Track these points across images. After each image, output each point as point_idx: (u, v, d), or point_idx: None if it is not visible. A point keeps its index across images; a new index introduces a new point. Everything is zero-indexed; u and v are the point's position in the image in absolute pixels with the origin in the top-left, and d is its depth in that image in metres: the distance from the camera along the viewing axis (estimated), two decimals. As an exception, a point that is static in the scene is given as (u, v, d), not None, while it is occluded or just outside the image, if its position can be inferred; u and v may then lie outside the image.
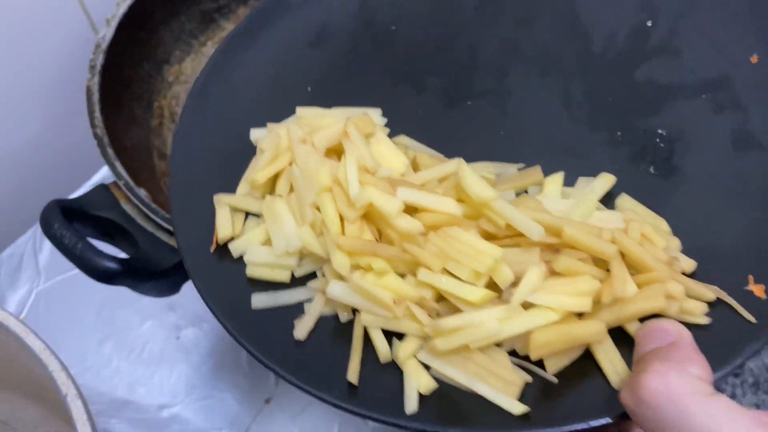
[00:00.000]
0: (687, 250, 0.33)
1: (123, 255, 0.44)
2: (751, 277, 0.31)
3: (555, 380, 0.30)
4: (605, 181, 0.35)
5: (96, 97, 0.48)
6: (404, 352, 0.30)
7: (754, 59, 0.37)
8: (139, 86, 0.55)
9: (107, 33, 0.51)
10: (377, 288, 0.30)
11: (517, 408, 0.29)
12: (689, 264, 0.32)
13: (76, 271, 0.60)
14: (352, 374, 0.30)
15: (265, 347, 0.31)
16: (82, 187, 0.63)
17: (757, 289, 0.31)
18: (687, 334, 0.28)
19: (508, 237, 0.31)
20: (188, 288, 0.59)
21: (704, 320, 0.30)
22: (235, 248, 0.34)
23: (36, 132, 0.63)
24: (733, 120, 0.36)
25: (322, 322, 0.32)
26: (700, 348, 0.27)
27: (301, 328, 0.32)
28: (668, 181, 0.35)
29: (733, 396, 0.65)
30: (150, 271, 0.41)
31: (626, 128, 0.37)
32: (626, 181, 0.35)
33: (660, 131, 0.37)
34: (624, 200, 0.34)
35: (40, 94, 0.62)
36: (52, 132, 0.64)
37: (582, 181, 0.35)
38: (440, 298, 0.31)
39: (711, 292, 0.31)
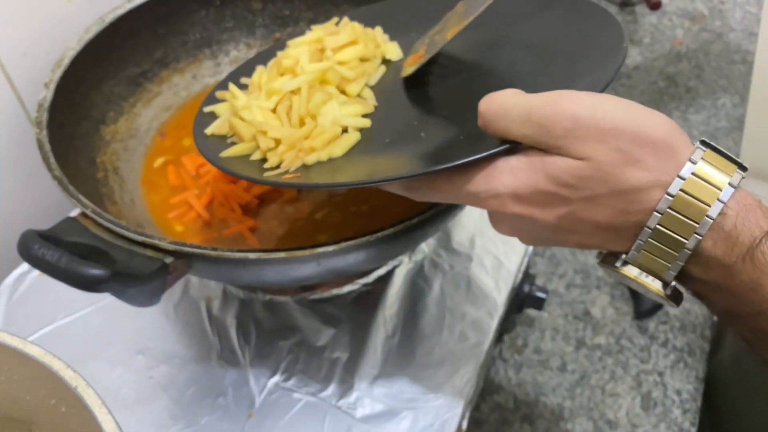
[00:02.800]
0: None
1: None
2: None
3: None
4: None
5: (47, 147, 0.52)
6: None
7: None
8: (81, 143, 0.58)
9: (47, 94, 0.55)
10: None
11: None
12: None
13: (36, 333, 0.61)
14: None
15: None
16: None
17: None
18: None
19: None
20: (155, 329, 0.61)
21: None
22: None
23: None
24: None
25: None
26: None
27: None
28: None
29: (666, 340, 0.72)
30: (132, 277, 0.44)
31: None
32: None
33: None
34: None
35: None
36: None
37: None
38: None
39: None
